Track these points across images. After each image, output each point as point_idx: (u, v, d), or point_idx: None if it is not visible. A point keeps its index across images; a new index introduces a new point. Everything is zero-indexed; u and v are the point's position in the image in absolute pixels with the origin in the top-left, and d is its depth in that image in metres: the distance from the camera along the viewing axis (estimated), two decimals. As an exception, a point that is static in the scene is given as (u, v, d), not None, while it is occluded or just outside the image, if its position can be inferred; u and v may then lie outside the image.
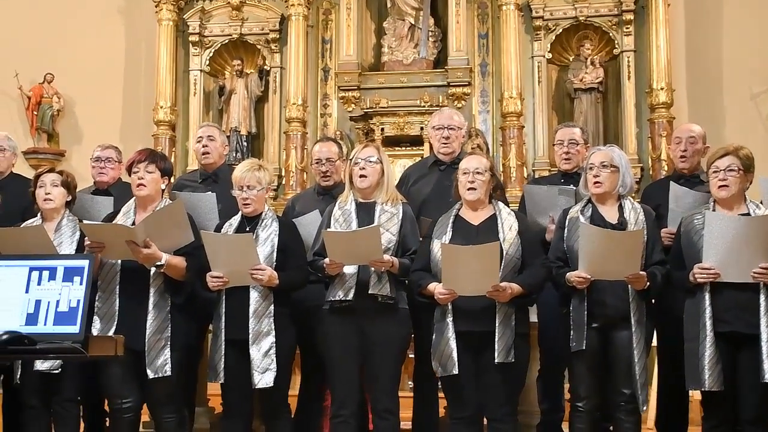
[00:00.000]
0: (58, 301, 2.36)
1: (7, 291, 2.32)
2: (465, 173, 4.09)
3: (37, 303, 2.38)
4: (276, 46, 8.31)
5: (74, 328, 2.33)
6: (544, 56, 8.09)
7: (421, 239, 4.23)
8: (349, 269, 4.08)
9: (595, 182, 4.09)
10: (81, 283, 2.38)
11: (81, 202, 4.68)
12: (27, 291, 2.39)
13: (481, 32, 8.05)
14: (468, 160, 4.16)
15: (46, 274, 2.38)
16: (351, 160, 4.32)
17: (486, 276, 3.82)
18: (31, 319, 2.19)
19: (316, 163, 4.81)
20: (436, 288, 3.94)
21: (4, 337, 2.12)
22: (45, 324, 2.32)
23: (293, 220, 4.48)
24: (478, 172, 4.08)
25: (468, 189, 4.07)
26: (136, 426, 4.21)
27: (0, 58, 8.88)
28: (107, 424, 4.67)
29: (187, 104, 8.49)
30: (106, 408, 4.43)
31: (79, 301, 2.35)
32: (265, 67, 8.36)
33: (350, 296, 4.07)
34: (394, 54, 8.19)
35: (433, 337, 4.02)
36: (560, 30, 8.16)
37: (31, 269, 2.39)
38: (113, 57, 9.10)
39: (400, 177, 5.00)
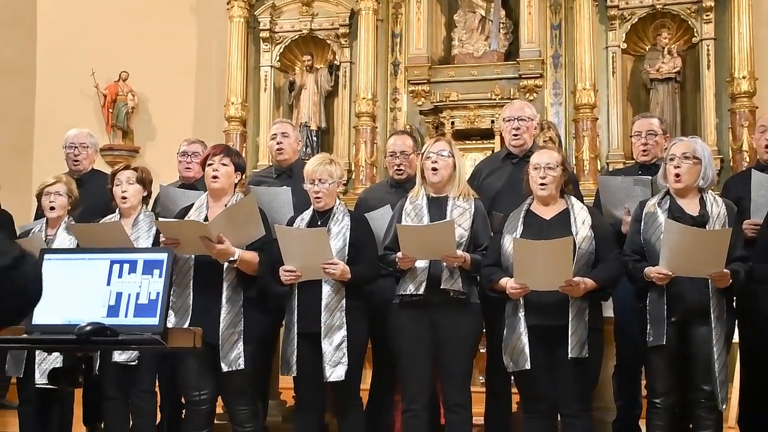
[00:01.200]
0: (138, 294, 2.40)
1: (90, 283, 2.37)
2: (536, 168, 4.04)
3: (118, 295, 2.42)
4: (346, 41, 8.32)
5: (154, 320, 2.36)
6: (619, 46, 7.94)
7: (491, 234, 4.20)
8: (421, 263, 4.07)
9: (676, 174, 3.99)
10: (160, 276, 2.41)
11: (172, 196, 4.76)
12: (108, 283, 2.44)
13: (553, 23, 7.94)
14: (539, 155, 4.10)
15: (126, 267, 2.43)
16: (422, 154, 4.30)
17: (559, 271, 3.77)
18: (113, 311, 2.23)
19: (390, 155, 4.80)
20: (507, 283, 3.90)
21: (88, 328, 2.16)
22: (126, 316, 2.36)
23: (364, 215, 4.48)
24: (549, 167, 4.02)
25: (539, 185, 4.02)
26: (211, 418, 4.27)
27: (77, 58, 9.08)
28: (183, 415, 4.76)
29: (258, 100, 8.57)
30: (182, 400, 4.51)
31: (158, 293, 2.39)
32: (335, 62, 8.38)
33: (421, 291, 4.06)
34: (465, 47, 8.13)
35: (504, 332, 3.98)
36: (636, 19, 8.00)
37: (113, 262, 2.43)
38: (186, 54, 9.24)
39: (471, 171, 4.96)
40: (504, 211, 4.23)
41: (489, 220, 4.28)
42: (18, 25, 9.13)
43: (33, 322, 2.35)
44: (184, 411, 4.64)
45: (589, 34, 7.70)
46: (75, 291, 2.22)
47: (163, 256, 2.42)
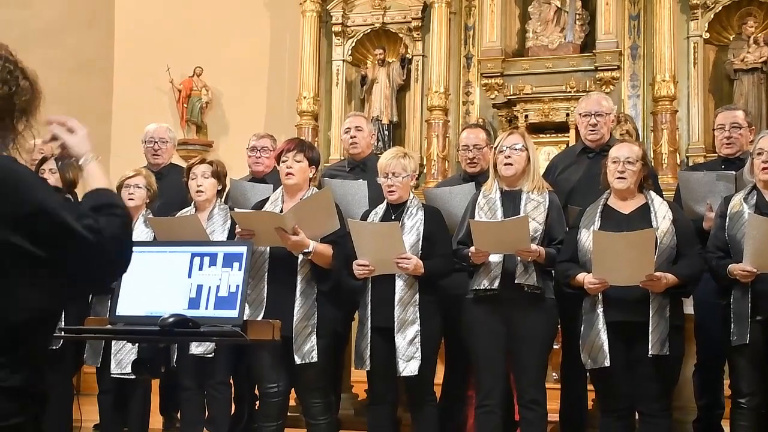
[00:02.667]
0: (218, 286, 2.42)
1: (172, 276, 2.40)
2: (615, 162, 3.95)
3: (199, 288, 2.44)
4: (418, 34, 8.27)
5: (233, 313, 2.38)
6: (701, 36, 7.71)
7: (567, 229, 4.13)
8: (495, 258, 4.02)
9: (764, 169, 3.87)
10: (240, 269, 2.43)
11: (242, 189, 4.81)
12: (189, 276, 2.46)
13: (631, 13, 7.76)
14: (618, 149, 4.02)
15: (207, 260, 2.45)
16: (495, 147, 4.25)
17: (640, 265, 3.68)
18: (194, 303, 2.25)
19: (463, 149, 4.76)
20: (585, 277, 3.83)
21: (171, 319, 2.18)
22: (206, 308, 2.38)
23: (437, 190, 4.45)
24: (629, 162, 3.93)
25: (617, 178, 3.93)
26: (285, 410, 4.29)
27: (153, 54, 9.24)
28: (257, 407, 4.81)
29: (330, 94, 8.59)
30: (256, 392, 4.55)
31: (238, 286, 2.40)
32: (407, 55, 8.34)
33: (495, 285, 4.01)
34: (539, 39, 8.02)
35: (582, 328, 3.91)
36: (720, 8, 7.75)
37: (193, 255, 2.46)
38: (259, 49, 9.32)
39: (546, 166, 4.89)
40: (580, 206, 4.16)
41: (564, 214, 4.22)
42: (97, 24, 9.33)
43: (116, 313, 2.39)
44: (257, 403, 4.69)
45: (669, 24, 7.49)
46: (157, 283, 2.25)
47: (243, 250, 2.44)
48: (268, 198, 4.37)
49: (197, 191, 4.52)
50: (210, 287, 2.39)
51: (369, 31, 8.52)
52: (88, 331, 2.32)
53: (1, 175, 1.75)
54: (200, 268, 2.45)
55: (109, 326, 2.40)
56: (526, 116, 7.65)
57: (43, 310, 1.81)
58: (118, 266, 1.84)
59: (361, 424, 4.64)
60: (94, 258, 1.78)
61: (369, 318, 4.15)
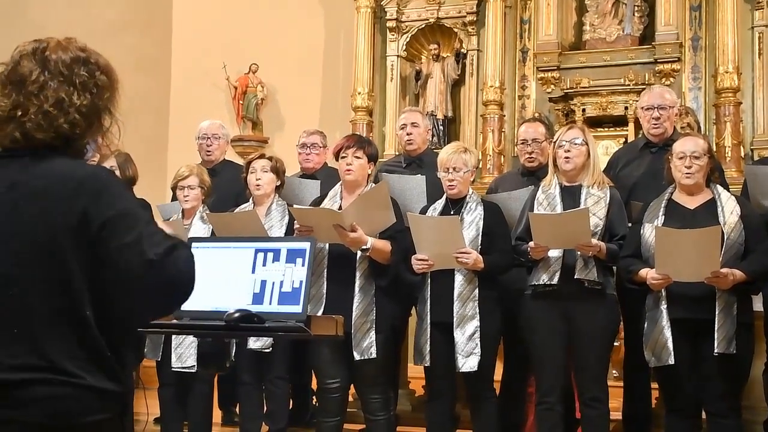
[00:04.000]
0: (282, 282, 2.42)
1: (236, 272, 2.40)
2: (681, 157, 3.87)
3: (263, 283, 2.45)
4: (473, 29, 8.20)
5: (297, 308, 2.38)
6: (766, 26, 7.47)
7: (630, 225, 4.06)
8: (554, 253, 3.98)
9: None
10: (303, 265, 2.43)
11: (290, 185, 4.83)
12: (253, 272, 2.47)
13: (693, 4, 7.57)
14: (683, 143, 3.94)
15: (270, 255, 2.45)
16: (555, 142, 4.20)
17: (705, 261, 3.60)
18: (257, 298, 2.25)
19: (522, 143, 4.72)
20: (648, 273, 3.76)
21: (237, 314, 2.19)
22: (270, 303, 2.39)
23: (500, 195, 4.42)
24: (695, 156, 3.85)
25: (685, 175, 3.85)
26: (344, 405, 4.30)
27: (209, 51, 9.33)
28: (315, 402, 4.83)
29: (384, 90, 8.56)
30: (314, 387, 4.57)
31: (301, 282, 2.40)
32: (462, 50, 8.28)
33: (555, 281, 3.97)
34: (597, 31, 7.90)
35: (645, 325, 3.85)
36: (787, -4, 7.52)
37: (257, 251, 2.46)
38: (313, 46, 9.35)
39: (608, 161, 4.82)
40: (643, 202, 4.09)
41: (626, 210, 4.15)
42: (155, 23, 9.45)
43: (182, 308, 2.40)
44: (315, 398, 4.71)
45: (732, 14, 7.30)
46: (221, 279, 2.26)
47: (306, 245, 2.43)
48: (327, 194, 4.38)
49: (256, 185, 4.55)
50: (273, 283, 2.39)
51: (423, 26, 8.48)
52: (156, 326, 2.34)
53: (90, 181, 1.77)
54: (264, 264, 2.46)
55: (174, 321, 2.42)
56: (584, 110, 7.53)
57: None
58: (157, 295, 1.80)
59: (419, 421, 4.64)
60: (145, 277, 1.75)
61: (428, 313, 4.14)
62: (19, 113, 1.80)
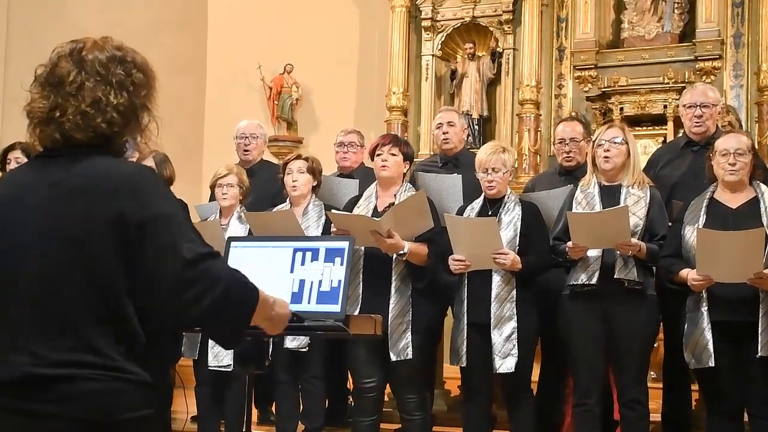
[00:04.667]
0: (320, 281, 2.41)
1: (275, 271, 2.41)
2: (724, 155, 3.81)
3: (301, 282, 2.45)
4: (509, 28, 8.15)
5: (336, 307, 2.37)
6: (811, 22, 7.35)
7: (671, 224, 4.01)
8: (593, 252, 3.94)
9: None
10: (341, 264, 2.42)
11: (328, 184, 4.83)
12: (292, 271, 2.47)
13: (735, 0, 7.47)
14: (726, 140, 3.88)
15: (309, 255, 2.45)
16: (594, 141, 4.16)
17: (747, 263, 3.55)
18: (296, 297, 2.25)
19: (559, 142, 4.68)
20: (689, 274, 3.71)
21: (275, 313, 2.18)
22: (309, 303, 2.39)
23: (539, 194, 4.38)
24: (739, 153, 3.79)
25: (729, 171, 3.79)
26: (380, 405, 4.30)
27: (244, 52, 9.36)
28: (350, 402, 4.83)
29: (419, 89, 8.54)
30: (350, 387, 4.57)
31: (340, 281, 2.40)
32: (498, 49, 8.24)
33: (594, 280, 3.94)
34: (635, 29, 7.81)
35: (686, 326, 3.80)
36: (834, -9, 7.35)
37: (296, 250, 2.46)
38: (348, 45, 9.35)
39: (648, 160, 4.76)
40: (684, 201, 4.03)
41: (667, 210, 4.10)
42: (190, 24, 9.50)
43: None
44: (351, 398, 4.71)
45: (776, 10, 7.19)
46: (260, 278, 2.24)
47: (345, 245, 2.43)
48: (362, 194, 4.38)
49: (292, 186, 4.56)
50: (312, 282, 2.39)
51: (459, 25, 8.44)
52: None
53: (130, 181, 1.79)
54: (302, 263, 2.45)
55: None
56: (621, 109, 7.46)
57: None
58: (181, 306, 1.78)
59: (454, 421, 4.62)
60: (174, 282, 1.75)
61: (465, 314, 4.12)
62: (58, 114, 1.81)
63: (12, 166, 5.18)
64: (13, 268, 1.80)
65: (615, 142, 4.03)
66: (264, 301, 1.89)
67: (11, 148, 5.26)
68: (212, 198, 5.00)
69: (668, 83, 7.41)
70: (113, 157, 1.85)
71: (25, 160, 5.10)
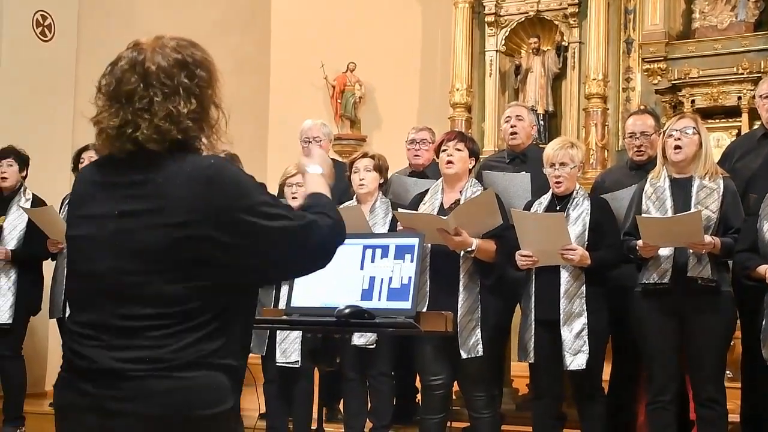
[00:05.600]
0: (390, 278, 2.40)
1: (345, 268, 2.40)
2: None
3: (371, 279, 2.44)
4: (575, 21, 8.02)
5: (406, 304, 2.36)
6: None
7: (745, 217, 3.90)
8: (665, 251, 3.86)
9: None
10: (411, 261, 2.40)
11: (405, 185, 4.81)
12: (362, 268, 2.47)
13: (814, -14, 7.26)
14: None
15: (379, 252, 2.44)
16: (664, 132, 4.07)
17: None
18: (366, 294, 2.24)
19: (630, 136, 4.59)
20: (767, 270, 3.60)
21: (347, 310, 2.19)
22: (379, 299, 2.38)
23: (603, 196, 4.31)
24: None
25: None
26: (448, 403, 4.28)
27: (307, 51, 9.41)
28: (418, 399, 4.80)
29: (483, 85, 8.47)
30: (418, 385, 4.55)
31: (410, 278, 2.38)
32: (563, 43, 8.13)
33: (666, 279, 3.86)
34: (707, 19, 7.62)
35: (763, 323, 3.69)
36: None
37: (365, 247, 2.46)
38: (411, 42, 9.33)
39: (722, 153, 4.64)
40: (761, 194, 3.92)
41: (744, 203, 3.98)
42: (254, 24, 9.58)
43: (291, 305, 2.42)
44: (418, 395, 4.69)
45: None
46: (330, 275, 2.24)
47: (415, 242, 2.41)
48: (428, 190, 4.35)
49: (359, 184, 4.56)
50: (382, 279, 2.38)
51: (523, 19, 8.35)
52: (267, 321, 2.37)
53: (209, 173, 1.80)
54: (372, 260, 2.44)
55: (284, 317, 2.43)
56: (693, 101, 7.30)
57: (243, 298, 1.88)
58: (319, 258, 1.90)
59: (522, 419, 4.57)
60: (300, 247, 1.83)
61: (533, 310, 4.08)
62: (130, 130, 1.82)
63: (85, 164, 5.30)
64: (93, 266, 1.82)
65: (686, 133, 3.94)
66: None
67: (85, 148, 5.39)
68: (279, 196, 5.02)
69: (742, 74, 7.22)
70: (190, 153, 1.86)
71: None
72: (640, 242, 3.83)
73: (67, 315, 5.07)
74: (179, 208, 1.76)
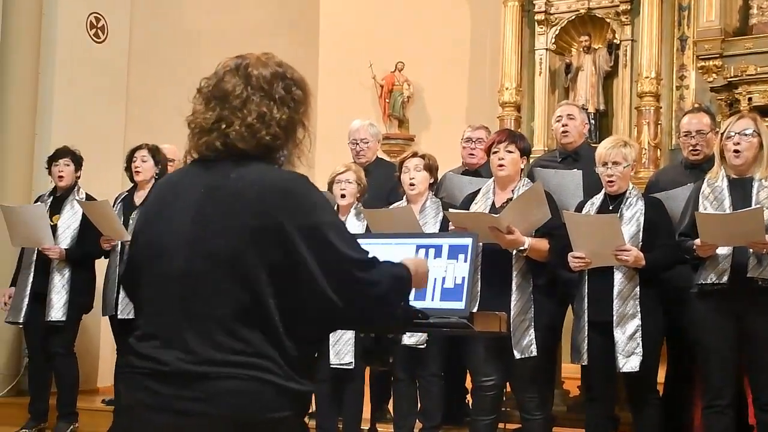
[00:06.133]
0: (443, 278, 2.38)
1: (398, 268, 2.38)
2: None
3: (425, 279, 2.42)
4: (627, 18, 7.91)
5: (460, 304, 2.34)
6: None
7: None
8: (723, 250, 3.78)
9: None
10: (465, 261, 2.38)
11: (459, 184, 4.80)
12: (415, 268, 2.44)
13: None
14: None
15: (432, 251, 2.42)
16: (722, 133, 3.98)
17: None
18: (419, 294, 2.22)
19: (685, 135, 4.52)
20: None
21: (400, 310, 2.17)
22: (432, 299, 2.36)
23: (658, 195, 4.25)
24: None
25: None
26: (499, 404, 4.26)
27: (356, 51, 9.43)
28: (467, 400, 4.79)
29: (533, 84, 8.40)
30: (467, 386, 4.53)
31: (463, 278, 2.35)
32: (615, 40, 8.03)
33: (724, 279, 3.78)
34: (765, 15, 7.46)
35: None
36: None
37: (418, 247, 2.44)
38: (459, 42, 9.29)
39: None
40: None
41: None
42: (303, 24, 9.62)
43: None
44: (468, 395, 4.67)
45: None
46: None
47: (468, 241, 2.38)
48: (479, 190, 4.33)
49: (410, 184, 4.55)
50: (435, 279, 2.36)
51: (573, 17, 8.25)
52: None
53: (287, 188, 1.85)
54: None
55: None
56: (750, 99, 7.14)
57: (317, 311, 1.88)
58: (377, 300, 1.91)
59: (574, 422, 4.54)
60: (359, 281, 1.86)
61: (586, 311, 4.03)
62: (224, 126, 1.88)
63: (138, 163, 5.40)
64: (165, 267, 1.86)
65: (746, 134, 3.86)
66: (414, 277, 2.02)
67: (138, 148, 5.45)
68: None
69: (801, 70, 7.06)
70: (271, 165, 1.91)
71: (151, 159, 5.31)
72: (697, 241, 3.76)
73: (118, 313, 5.21)
74: (254, 216, 1.80)
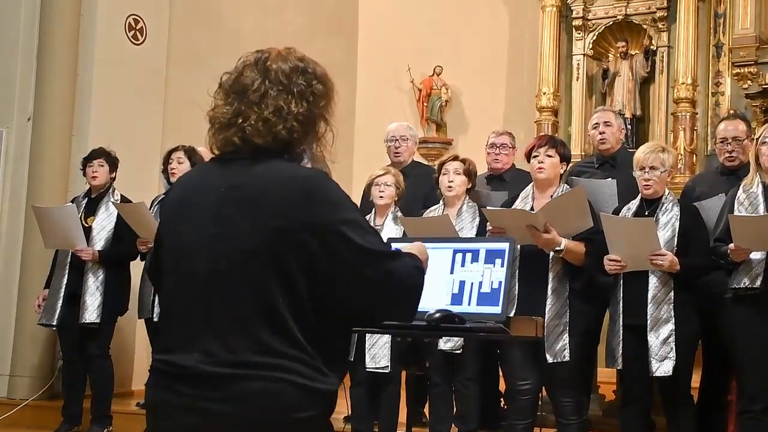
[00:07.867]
0: (480, 282, 2.43)
1: (435, 272, 2.43)
2: None
3: (461, 284, 2.47)
4: (663, 25, 7.91)
5: (496, 309, 2.38)
6: None
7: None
8: (757, 255, 3.80)
9: None
10: (502, 265, 2.43)
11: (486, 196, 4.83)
12: (452, 272, 2.50)
13: None
14: None
15: (469, 256, 2.47)
16: (758, 139, 4.01)
17: None
18: (456, 299, 2.28)
19: (721, 141, 4.54)
20: None
21: (438, 315, 2.22)
22: (469, 304, 2.41)
23: (695, 204, 4.27)
24: None
25: None
26: (535, 408, 4.27)
27: (394, 55, 9.47)
28: (502, 404, 4.81)
29: (570, 90, 8.41)
30: (501, 390, 4.55)
31: (500, 282, 2.40)
32: (652, 47, 8.02)
33: (758, 284, 3.81)
34: (801, 23, 7.44)
35: None
36: None
37: (455, 251, 2.49)
38: (497, 46, 9.31)
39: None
40: None
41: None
42: (341, 28, 9.70)
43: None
44: (502, 400, 4.69)
45: None
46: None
47: (505, 246, 2.44)
48: (518, 195, 4.37)
49: (448, 187, 4.58)
50: (472, 283, 2.41)
51: (611, 23, 8.26)
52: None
53: (308, 185, 1.84)
54: (462, 265, 2.47)
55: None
56: (785, 106, 7.13)
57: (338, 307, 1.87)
58: (405, 291, 1.91)
59: (609, 426, 4.55)
60: (385, 274, 1.86)
61: (620, 315, 4.06)
62: (241, 120, 1.87)
63: (174, 165, 5.40)
64: (186, 268, 1.86)
65: (781, 141, 3.88)
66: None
67: (175, 149, 5.47)
68: (363, 199, 5.05)
69: (835, 78, 7.01)
70: (290, 162, 1.90)
71: (187, 161, 5.34)
72: (731, 245, 3.79)
73: (154, 315, 5.22)
74: (275, 215, 1.78)
